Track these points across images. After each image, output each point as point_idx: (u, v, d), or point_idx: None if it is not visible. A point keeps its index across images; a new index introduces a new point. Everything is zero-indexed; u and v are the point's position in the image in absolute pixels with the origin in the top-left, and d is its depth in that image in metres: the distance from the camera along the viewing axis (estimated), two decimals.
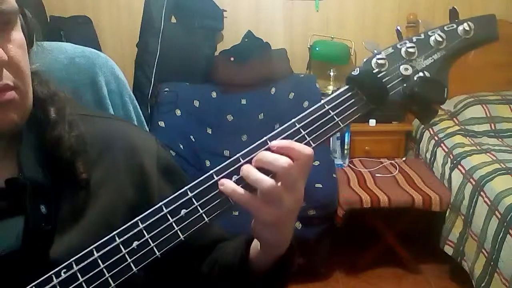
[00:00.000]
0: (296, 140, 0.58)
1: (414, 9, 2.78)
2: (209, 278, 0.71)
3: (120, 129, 0.73)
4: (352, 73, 0.62)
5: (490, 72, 2.83)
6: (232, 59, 2.81)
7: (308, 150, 0.57)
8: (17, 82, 0.57)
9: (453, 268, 2.33)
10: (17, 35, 0.58)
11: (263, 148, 0.58)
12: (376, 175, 2.49)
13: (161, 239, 0.55)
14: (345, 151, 2.61)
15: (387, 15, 2.88)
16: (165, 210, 0.56)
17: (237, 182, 0.57)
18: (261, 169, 0.56)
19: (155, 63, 2.63)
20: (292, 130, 0.59)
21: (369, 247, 2.50)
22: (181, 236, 0.55)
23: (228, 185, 0.56)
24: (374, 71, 0.62)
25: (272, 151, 0.57)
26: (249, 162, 0.57)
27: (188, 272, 0.74)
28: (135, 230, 0.55)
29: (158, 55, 2.63)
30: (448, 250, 2.28)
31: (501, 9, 2.87)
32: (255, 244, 0.65)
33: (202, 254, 0.74)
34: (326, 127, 0.60)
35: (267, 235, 0.59)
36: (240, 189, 0.56)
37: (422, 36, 0.64)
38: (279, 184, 0.55)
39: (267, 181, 0.55)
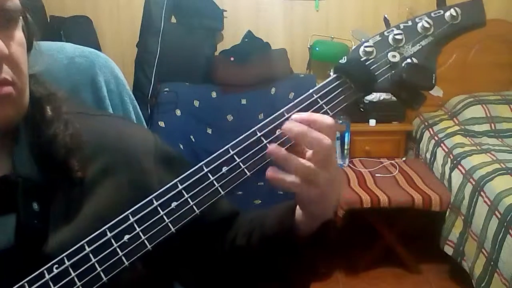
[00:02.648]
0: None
1: (414, 10, 2.77)
2: (248, 248, 0.70)
3: (116, 126, 0.73)
4: (340, 61, 0.63)
5: (490, 72, 2.83)
6: (232, 59, 2.81)
7: (329, 119, 0.57)
8: (15, 78, 0.58)
9: (453, 268, 2.33)
10: (18, 34, 0.59)
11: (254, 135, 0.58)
12: (376, 175, 2.49)
13: (152, 232, 0.55)
14: (345, 151, 2.61)
15: (387, 15, 2.88)
16: (156, 203, 0.56)
17: (229, 171, 0.57)
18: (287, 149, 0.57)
19: (155, 63, 2.63)
20: (280, 120, 0.59)
21: (369, 247, 2.50)
22: (172, 229, 0.55)
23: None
24: (362, 59, 0.63)
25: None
26: (239, 153, 0.58)
27: (221, 248, 0.73)
28: (126, 224, 0.55)
29: (158, 55, 2.63)
30: (448, 250, 2.28)
31: (501, 9, 2.87)
32: (299, 210, 0.64)
33: (222, 228, 0.74)
34: None
35: (308, 207, 0.60)
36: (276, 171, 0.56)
37: (410, 23, 0.65)
38: (311, 164, 0.56)
39: (297, 160, 0.56)
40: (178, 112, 2.65)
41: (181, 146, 2.54)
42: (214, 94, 2.76)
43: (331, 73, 2.43)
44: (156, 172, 0.70)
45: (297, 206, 0.64)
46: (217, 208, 0.73)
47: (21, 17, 0.60)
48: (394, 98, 0.66)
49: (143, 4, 2.66)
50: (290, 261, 0.66)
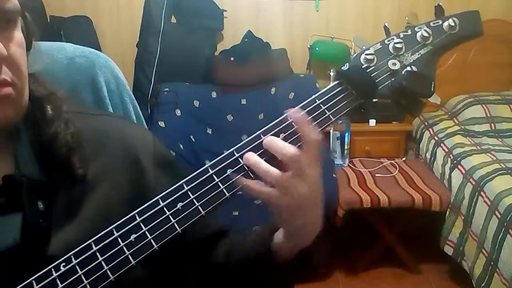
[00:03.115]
0: (288, 133, 0.60)
1: (414, 9, 2.78)
2: (226, 267, 0.71)
3: (116, 125, 0.74)
4: (342, 68, 0.64)
5: (490, 72, 2.84)
6: (232, 59, 2.82)
7: (316, 134, 0.58)
8: (15, 79, 0.58)
9: (453, 268, 2.33)
10: (18, 34, 0.59)
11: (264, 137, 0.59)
12: (376, 175, 2.49)
13: (158, 232, 0.56)
14: (345, 151, 2.61)
15: (387, 15, 2.89)
16: (162, 204, 0.57)
17: (234, 173, 0.58)
18: (265, 155, 0.58)
19: (155, 63, 2.63)
20: (284, 124, 0.61)
21: (369, 247, 2.50)
22: (178, 229, 0.56)
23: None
24: (363, 66, 0.64)
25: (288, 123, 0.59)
26: (242, 156, 0.59)
27: (200, 263, 0.74)
28: (133, 224, 0.56)
29: (158, 55, 2.63)
30: (448, 250, 2.28)
31: (501, 9, 2.87)
32: (279, 233, 0.65)
33: (209, 244, 0.74)
34: (318, 121, 0.62)
35: (284, 223, 0.60)
36: (252, 182, 0.57)
37: (409, 32, 0.67)
38: (287, 170, 0.57)
39: (272, 170, 0.57)
40: (178, 112, 2.65)
41: (181, 146, 2.54)
42: (214, 94, 2.76)
43: (331, 73, 2.44)
44: (154, 172, 0.71)
45: (279, 229, 0.64)
46: (206, 223, 0.74)
47: (20, 18, 0.60)
48: None
49: (143, 4, 2.66)
50: (270, 279, 0.66)
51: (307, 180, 0.57)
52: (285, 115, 0.61)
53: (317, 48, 2.83)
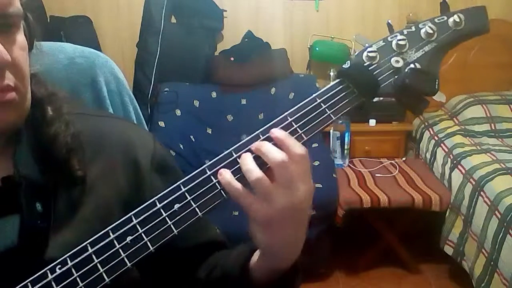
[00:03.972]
0: (289, 134, 0.58)
1: (414, 10, 2.78)
2: (206, 283, 0.70)
3: (116, 127, 0.73)
4: (343, 66, 0.62)
5: (490, 72, 2.84)
6: (232, 59, 2.82)
7: (299, 148, 0.55)
8: (18, 83, 0.58)
9: (453, 268, 2.33)
10: (20, 37, 0.59)
11: (259, 140, 0.58)
12: (376, 175, 2.49)
13: (155, 234, 0.55)
14: (345, 151, 2.61)
15: (387, 15, 2.89)
16: (159, 205, 0.56)
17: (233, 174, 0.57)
18: (260, 159, 0.56)
19: (155, 63, 2.64)
20: (284, 124, 0.59)
21: (369, 247, 2.50)
22: (175, 231, 0.55)
23: (225, 175, 0.56)
24: (365, 64, 0.63)
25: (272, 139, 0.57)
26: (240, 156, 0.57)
27: (184, 277, 0.72)
28: (129, 225, 0.55)
29: (158, 55, 2.63)
30: (448, 250, 2.28)
31: (501, 10, 2.87)
32: (258, 252, 0.63)
33: (197, 257, 0.73)
34: (318, 120, 0.60)
35: (260, 236, 0.58)
36: (235, 182, 0.55)
37: (413, 28, 0.65)
38: (274, 180, 0.55)
39: (256, 172, 0.55)
40: (178, 112, 2.65)
41: (181, 146, 2.54)
42: (214, 94, 2.76)
43: (331, 73, 2.43)
44: (149, 176, 0.70)
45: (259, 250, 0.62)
46: (201, 233, 0.73)
47: (22, 20, 0.60)
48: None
49: (143, 4, 2.66)
50: None
51: (294, 194, 0.54)
52: (283, 115, 0.60)
53: (317, 48, 2.82)
